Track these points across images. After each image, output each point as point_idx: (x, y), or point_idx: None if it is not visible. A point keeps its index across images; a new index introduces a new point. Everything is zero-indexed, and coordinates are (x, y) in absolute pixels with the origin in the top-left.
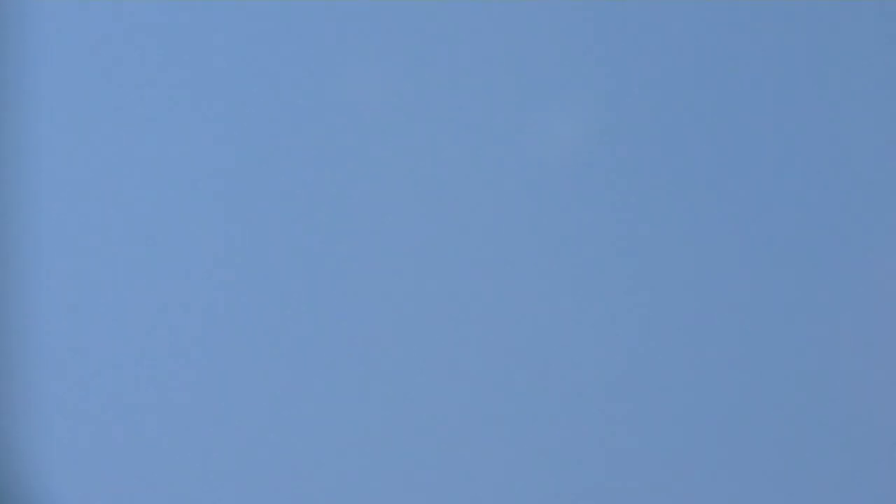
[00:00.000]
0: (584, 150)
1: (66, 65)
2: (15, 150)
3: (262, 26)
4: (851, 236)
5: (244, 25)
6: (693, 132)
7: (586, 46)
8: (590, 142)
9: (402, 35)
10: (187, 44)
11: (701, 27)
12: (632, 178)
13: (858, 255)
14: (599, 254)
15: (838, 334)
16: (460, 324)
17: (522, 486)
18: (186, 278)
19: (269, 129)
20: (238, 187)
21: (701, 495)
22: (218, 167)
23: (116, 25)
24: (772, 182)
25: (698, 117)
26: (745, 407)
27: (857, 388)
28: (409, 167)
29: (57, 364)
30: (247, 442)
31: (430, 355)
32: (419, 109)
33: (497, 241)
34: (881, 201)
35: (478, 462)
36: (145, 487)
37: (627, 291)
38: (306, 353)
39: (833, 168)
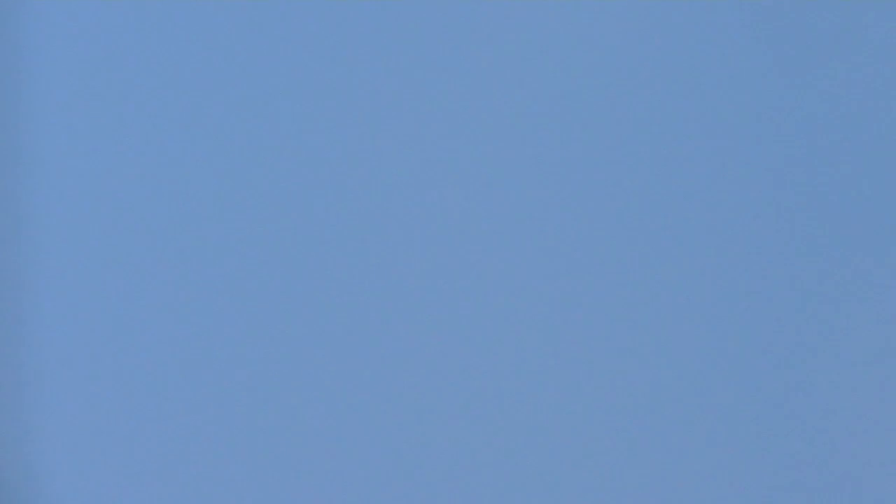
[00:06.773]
0: (584, 149)
1: (63, 63)
2: (14, 150)
3: (259, 24)
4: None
5: (241, 22)
6: (689, 133)
7: (586, 50)
8: (588, 141)
9: (401, 36)
10: (185, 41)
11: (700, 28)
12: (631, 177)
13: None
14: (599, 254)
15: (838, 335)
16: (458, 323)
17: (522, 486)
18: (186, 279)
19: (263, 129)
20: (235, 188)
21: (701, 495)
22: (216, 166)
23: (112, 23)
24: (771, 182)
25: (693, 118)
26: (746, 407)
27: (857, 388)
28: (406, 166)
29: (57, 365)
30: (248, 443)
31: (428, 355)
32: (418, 109)
33: (495, 241)
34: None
35: (477, 462)
36: (146, 488)
37: (628, 292)
38: (304, 354)
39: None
